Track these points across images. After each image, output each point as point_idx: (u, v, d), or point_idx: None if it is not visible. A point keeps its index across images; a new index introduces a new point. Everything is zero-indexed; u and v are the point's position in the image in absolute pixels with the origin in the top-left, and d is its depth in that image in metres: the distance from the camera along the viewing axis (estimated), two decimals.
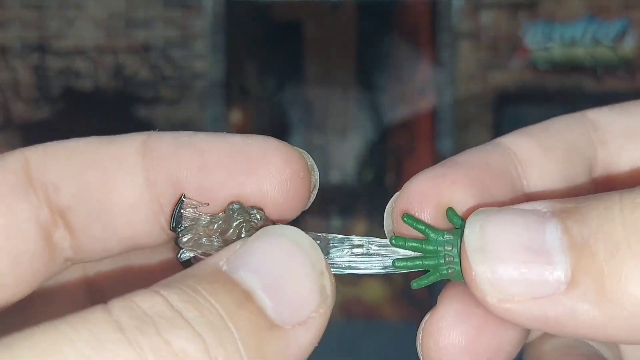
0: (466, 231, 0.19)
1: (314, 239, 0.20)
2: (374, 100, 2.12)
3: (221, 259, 0.18)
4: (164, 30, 2.04)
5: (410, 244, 0.20)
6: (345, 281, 1.93)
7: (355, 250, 0.21)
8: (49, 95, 2.05)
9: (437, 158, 2.05)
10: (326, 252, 0.21)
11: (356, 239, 0.21)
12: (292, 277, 0.18)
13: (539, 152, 0.22)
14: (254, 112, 2.11)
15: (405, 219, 0.20)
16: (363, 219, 2.13)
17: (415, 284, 0.20)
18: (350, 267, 0.21)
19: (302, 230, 0.20)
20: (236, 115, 2.08)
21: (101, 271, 0.23)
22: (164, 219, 0.21)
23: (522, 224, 0.18)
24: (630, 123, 0.23)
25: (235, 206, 0.20)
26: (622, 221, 0.17)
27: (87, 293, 0.23)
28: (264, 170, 0.20)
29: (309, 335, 0.18)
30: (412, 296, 1.92)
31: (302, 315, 0.18)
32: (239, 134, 0.21)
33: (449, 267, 0.20)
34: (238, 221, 0.20)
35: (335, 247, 0.21)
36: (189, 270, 0.18)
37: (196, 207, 0.20)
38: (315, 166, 0.21)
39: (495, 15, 2.02)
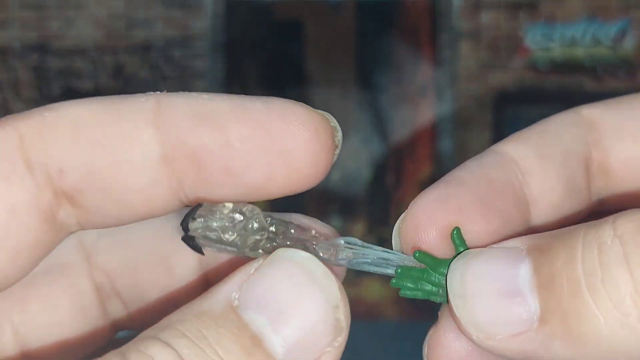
0: (449, 278, 0.20)
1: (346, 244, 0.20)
2: (374, 100, 2.12)
3: (234, 289, 0.18)
4: (164, 30, 2.04)
5: (414, 273, 0.21)
6: (345, 281, 1.93)
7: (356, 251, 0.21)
8: (49, 95, 2.05)
9: (437, 158, 2.05)
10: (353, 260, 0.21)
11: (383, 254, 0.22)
12: (304, 314, 0.18)
13: (537, 160, 0.23)
14: None
15: (416, 255, 0.21)
16: (363, 219, 2.13)
17: (402, 293, 0.22)
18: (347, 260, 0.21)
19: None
20: None
21: (102, 244, 0.23)
22: (183, 195, 0.20)
23: (499, 266, 0.19)
24: (620, 122, 0.24)
25: (255, 225, 0.19)
26: (582, 262, 0.18)
27: (86, 263, 0.22)
28: (292, 146, 0.19)
29: None
30: None
31: (313, 354, 0.18)
32: (257, 98, 0.20)
33: (441, 295, 0.21)
34: (257, 238, 0.20)
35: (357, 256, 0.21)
36: (197, 305, 0.18)
37: (213, 208, 0.19)
38: (338, 126, 0.20)
39: (495, 15, 2.02)
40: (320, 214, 2.09)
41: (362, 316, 2.05)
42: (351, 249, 0.21)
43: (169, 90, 0.19)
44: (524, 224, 0.22)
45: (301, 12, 2.12)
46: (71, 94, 2.06)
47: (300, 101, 0.20)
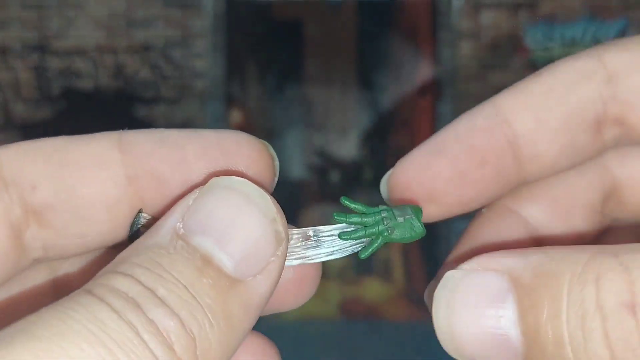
0: (433, 315, 0.20)
1: None
2: (374, 100, 2.12)
3: (177, 219, 0.19)
4: (164, 30, 2.04)
5: (351, 219, 0.22)
6: (345, 281, 1.93)
7: (306, 242, 0.22)
8: (49, 95, 2.05)
9: None
10: None
11: (301, 230, 0.22)
12: (246, 231, 0.19)
13: (533, 124, 0.23)
14: (254, 112, 2.11)
15: (342, 200, 0.23)
16: None
17: (362, 254, 0.22)
18: (302, 258, 0.22)
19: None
20: (236, 115, 2.08)
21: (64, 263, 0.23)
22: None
23: (484, 302, 0.20)
24: None
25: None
26: (566, 322, 0.18)
27: (47, 277, 0.23)
28: (241, 162, 0.21)
29: (268, 281, 0.19)
30: (413, 296, 1.92)
31: (260, 264, 0.19)
32: (211, 129, 0.22)
33: (388, 228, 0.22)
34: None
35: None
36: (147, 240, 0.19)
37: (152, 223, 0.21)
38: (275, 155, 0.22)
39: (495, 15, 2.02)
40: (320, 215, 2.09)
41: (362, 316, 2.05)
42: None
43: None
44: (504, 190, 0.23)
45: (301, 12, 2.12)
46: (71, 93, 2.06)
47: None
